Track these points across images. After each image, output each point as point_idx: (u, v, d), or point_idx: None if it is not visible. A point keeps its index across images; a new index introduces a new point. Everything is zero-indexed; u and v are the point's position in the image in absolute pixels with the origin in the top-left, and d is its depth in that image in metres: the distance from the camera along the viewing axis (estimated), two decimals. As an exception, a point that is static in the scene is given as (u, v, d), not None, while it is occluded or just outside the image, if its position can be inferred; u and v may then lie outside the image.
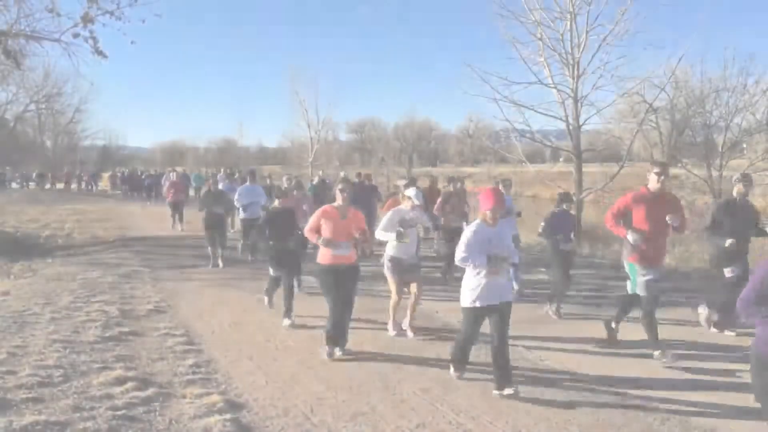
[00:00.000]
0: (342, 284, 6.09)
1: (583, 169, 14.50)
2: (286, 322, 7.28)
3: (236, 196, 12.02)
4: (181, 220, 17.74)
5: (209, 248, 11.52)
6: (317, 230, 6.20)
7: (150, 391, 5.09)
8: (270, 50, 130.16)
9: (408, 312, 6.93)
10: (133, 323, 7.38)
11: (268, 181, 16.31)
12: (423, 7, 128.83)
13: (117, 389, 5.12)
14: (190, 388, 5.19)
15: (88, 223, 20.52)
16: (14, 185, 47.15)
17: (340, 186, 6.28)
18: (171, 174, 23.58)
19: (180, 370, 5.70)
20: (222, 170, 26.55)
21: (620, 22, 12.95)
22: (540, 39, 13.66)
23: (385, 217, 6.86)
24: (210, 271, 11.13)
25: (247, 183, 12.47)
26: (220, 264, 11.37)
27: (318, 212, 6.25)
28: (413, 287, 6.86)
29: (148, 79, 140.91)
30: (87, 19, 13.61)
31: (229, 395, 5.09)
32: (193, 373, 5.62)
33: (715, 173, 13.29)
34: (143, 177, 33.01)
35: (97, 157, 69.49)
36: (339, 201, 6.24)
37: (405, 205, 6.94)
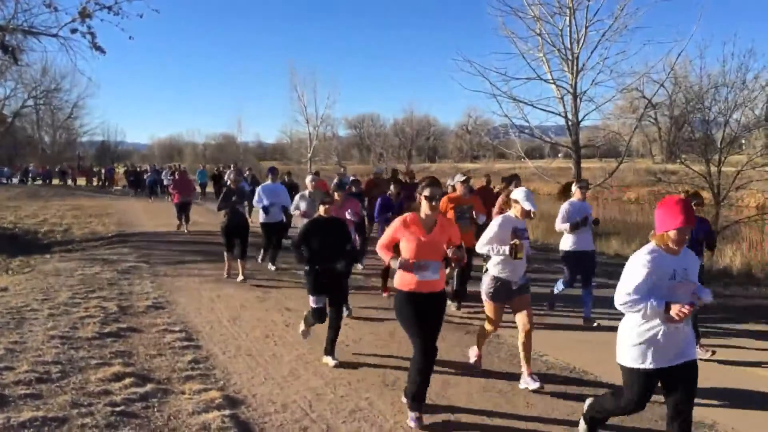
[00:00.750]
0: (426, 317, 4.60)
1: (582, 165, 14.49)
2: (330, 361, 5.81)
3: (255, 197, 10.65)
4: (187, 221, 16.78)
5: (225, 255, 10.06)
6: (392, 247, 4.74)
7: (148, 387, 5.08)
8: (268, 46, 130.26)
9: (522, 356, 5.30)
10: (132, 319, 7.37)
11: (286, 178, 14.59)
12: (422, 3, 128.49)
13: (115, 385, 5.12)
14: (189, 384, 5.19)
15: (86, 218, 20.51)
16: (38, 181, 47.28)
17: (427, 192, 4.54)
18: (176, 171, 21.93)
19: (178, 365, 5.70)
20: (232, 166, 25.83)
21: (619, 18, 12.93)
22: (539, 34, 13.65)
23: (491, 227, 5.43)
24: (208, 267, 11.10)
25: (268, 181, 11.00)
26: (241, 277, 9.76)
27: (396, 223, 4.64)
28: (522, 317, 5.30)
29: (147, 74, 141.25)
30: (85, 15, 13.63)
31: (227, 391, 5.09)
32: (192, 368, 5.62)
33: (713, 169, 13.27)
34: (148, 173, 32.45)
35: (95, 153, 69.62)
36: (426, 210, 4.56)
37: (513, 212, 5.48)
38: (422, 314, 4.55)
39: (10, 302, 8.13)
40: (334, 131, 46.68)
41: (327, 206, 6.05)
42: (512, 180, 9.68)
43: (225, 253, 10.05)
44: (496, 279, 5.36)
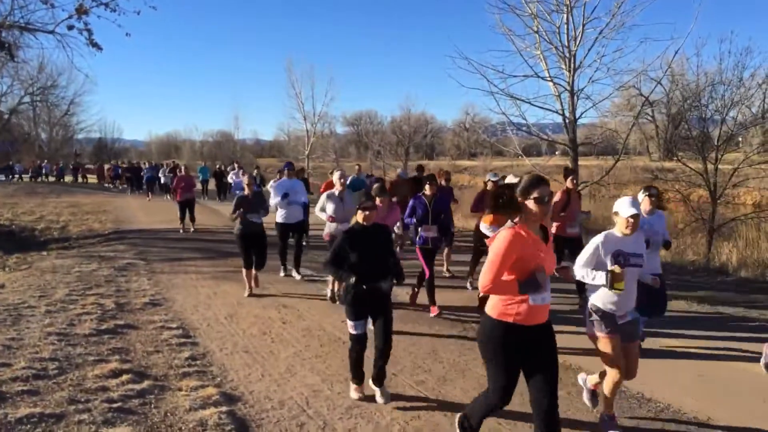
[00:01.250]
0: (531, 356, 3.48)
1: (580, 162, 14.50)
2: (380, 397, 4.83)
3: (272, 194, 9.68)
4: (192, 220, 15.82)
5: (244, 272, 8.79)
6: (509, 273, 3.45)
7: (145, 384, 5.10)
8: (266, 43, 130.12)
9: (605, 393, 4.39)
10: (129, 316, 7.37)
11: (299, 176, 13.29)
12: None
13: (112, 382, 5.13)
14: (186, 381, 5.20)
15: (83, 215, 20.48)
16: (51, 178, 47.52)
17: (536, 193, 3.41)
18: (177, 168, 20.70)
19: (175, 362, 5.71)
20: (235, 165, 25.18)
21: (616, 15, 12.92)
22: (536, 32, 13.62)
23: (589, 245, 4.40)
24: (205, 264, 11.10)
25: (284, 178, 10.02)
26: (247, 290, 8.68)
27: (507, 239, 3.38)
28: (627, 361, 4.37)
29: (144, 71, 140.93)
30: (81, 11, 13.62)
31: (224, 388, 5.10)
32: (189, 365, 5.63)
33: (710, 166, 13.31)
34: (145, 170, 31.83)
35: (92, 150, 69.58)
36: (534, 215, 3.43)
37: (620, 227, 4.33)
38: (521, 355, 3.47)
39: (7, 299, 8.13)
40: (332, 128, 46.69)
41: (368, 212, 4.83)
42: (568, 175, 8.39)
43: (243, 270, 8.76)
44: (596, 309, 4.34)
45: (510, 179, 6.92)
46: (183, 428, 4.31)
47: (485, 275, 3.43)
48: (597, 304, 4.35)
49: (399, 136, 53.90)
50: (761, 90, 14.26)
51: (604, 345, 4.27)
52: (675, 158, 15.92)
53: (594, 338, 4.36)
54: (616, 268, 4.07)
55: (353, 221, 4.95)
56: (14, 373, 5.26)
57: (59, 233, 16.48)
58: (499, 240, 3.44)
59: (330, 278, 7.78)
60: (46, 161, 51.21)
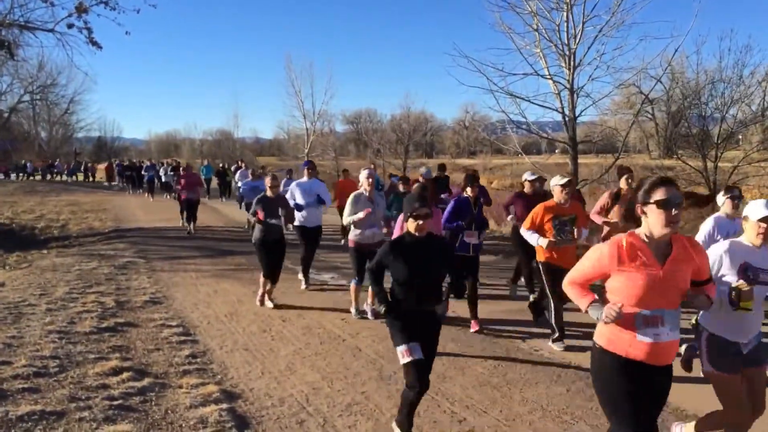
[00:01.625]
0: (645, 398, 2.92)
1: (580, 161, 14.51)
2: None
3: (288, 195, 8.84)
4: (194, 220, 15.25)
5: (261, 276, 7.94)
6: (589, 286, 3.13)
7: (146, 382, 5.11)
8: (265, 41, 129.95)
9: None
10: (129, 314, 7.39)
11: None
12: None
13: (113, 379, 5.14)
14: (186, 379, 5.22)
15: (83, 214, 20.51)
16: (64, 177, 47.86)
17: (660, 194, 2.77)
18: (180, 166, 20.09)
19: (176, 360, 5.72)
20: (242, 164, 24.69)
21: (616, 13, 12.92)
22: (536, 30, 13.63)
23: (709, 256, 3.35)
24: (205, 262, 11.11)
25: (304, 178, 9.22)
26: (270, 304, 7.90)
27: (604, 250, 2.91)
28: (751, 395, 3.58)
29: (144, 70, 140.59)
30: (81, 9, 13.64)
31: (224, 385, 5.11)
32: (189, 363, 5.65)
33: (710, 164, 13.34)
34: (144, 168, 31.47)
35: (92, 149, 69.65)
36: (660, 226, 2.80)
37: (750, 235, 3.53)
38: (642, 394, 2.87)
39: (7, 297, 8.14)
40: (332, 127, 46.67)
41: (422, 222, 3.97)
42: (622, 174, 7.29)
43: (261, 279, 7.95)
44: (712, 338, 3.55)
45: (556, 180, 6.36)
46: (183, 425, 4.33)
47: (572, 271, 3.14)
48: (712, 332, 3.55)
49: (398, 134, 53.72)
50: (761, 88, 14.31)
51: (719, 383, 3.51)
52: (675, 156, 15.96)
53: (710, 375, 3.56)
54: (743, 285, 3.31)
55: (405, 229, 4.14)
56: (15, 371, 5.27)
57: (59, 232, 16.50)
58: (601, 245, 3.00)
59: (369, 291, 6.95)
60: (57, 160, 51.40)
